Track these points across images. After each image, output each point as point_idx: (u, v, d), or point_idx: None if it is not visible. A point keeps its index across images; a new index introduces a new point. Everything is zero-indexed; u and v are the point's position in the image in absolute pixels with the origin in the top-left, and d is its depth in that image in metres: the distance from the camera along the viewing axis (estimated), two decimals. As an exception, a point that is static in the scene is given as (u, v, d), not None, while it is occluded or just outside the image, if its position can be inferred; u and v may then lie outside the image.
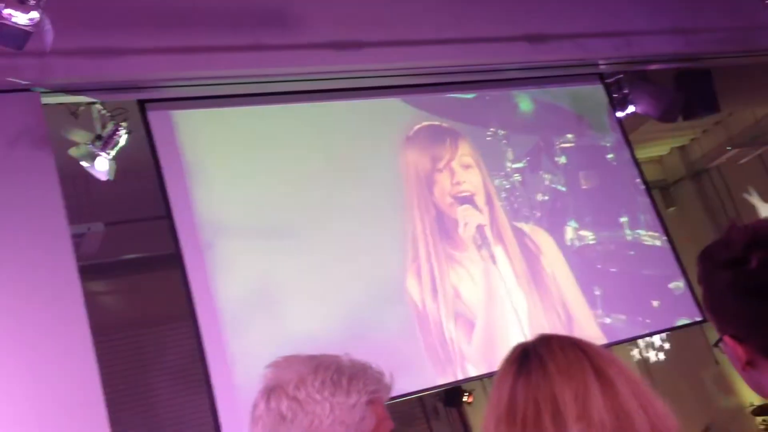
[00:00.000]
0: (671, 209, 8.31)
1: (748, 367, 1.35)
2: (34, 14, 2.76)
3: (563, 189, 4.74)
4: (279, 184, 4.05)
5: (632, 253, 4.78)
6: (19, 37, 2.80)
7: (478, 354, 4.08)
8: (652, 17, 4.95)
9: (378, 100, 4.48)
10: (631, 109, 5.09)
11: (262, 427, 1.43)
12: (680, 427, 1.29)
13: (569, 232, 4.62)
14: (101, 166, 3.62)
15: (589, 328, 4.37)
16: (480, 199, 4.43)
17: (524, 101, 4.92)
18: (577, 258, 4.56)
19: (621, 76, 5.09)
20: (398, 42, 4.18)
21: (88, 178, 3.79)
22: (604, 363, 1.29)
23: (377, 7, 4.20)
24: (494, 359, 3.99)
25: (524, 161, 4.69)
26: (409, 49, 4.21)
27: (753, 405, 7.68)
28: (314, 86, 4.19)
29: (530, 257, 4.43)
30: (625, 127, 5.12)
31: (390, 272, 4.08)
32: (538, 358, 1.31)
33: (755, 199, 7.43)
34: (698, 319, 4.67)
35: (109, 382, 3.25)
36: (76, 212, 3.86)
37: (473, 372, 4.10)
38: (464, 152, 4.53)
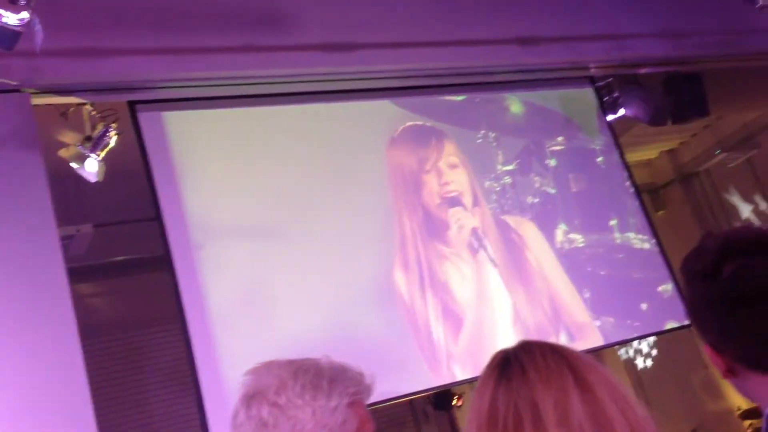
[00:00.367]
0: (660, 212, 8.34)
1: (729, 374, 1.36)
2: (24, 14, 2.75)
3: (553, 192, 4.75)
4: (269, 185, 4.05)
5: (621, 256, 4.79)
6: (8, 38, 2.79)
7: (466, 355, 4.08)
8: (643, 21, 4.97)
9: (368, 102, 4.49)
10: (621, 112, 5.10)
11: None
12: None
13: (559, 235, 4.63)
14: (91, 168, 3.61)
15: (579, 315, 4.38)
16: (467, 200, 4.44)
17: (514, 104, 4.93)
18: (566, 261, 4.57)
19: (611, 79, 5.10)
20: (390, 44, 4.18)
21: (78, 179, 3.78)
22: (585, 369, 1.29)
23: (369, 10, 4.20)
24: (482, 361, 3.99)
25: (514, 164, 4.69)
26: (401, 52, 4.21)
27: (741, 409, 7.71)
28: (306, 88, 4.19)
29: (516, 252, 4.44)
30: (615, 130, 5.14)
31: (378, 273, 4.08)
32: (519, 364, 1.31)
33: (736, 199, 7.48)
34: (687, 322, 4.66)
35: (99, 383, 3.24)
36: (65, 214, 3.84)
37: (461, 372, 4.10)
38: (450, 152, 4.53)
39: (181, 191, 3.79)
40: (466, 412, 1.41)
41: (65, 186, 4.29)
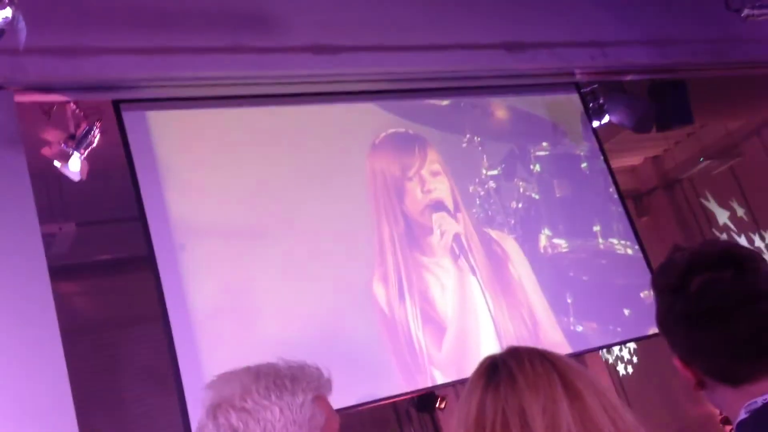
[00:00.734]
0: (644, 218, 8.38)
1: (698, 387, 1.37)
2: (8, 12, 2.74)
3: (537, 197, 4.77)
4: (252, 186, 4.04)
5: (604, 261, 4.81)
6: (-8, 35, 2.78)
7: (448, 360, 4.08)
8: (629, 28, 5.00)
9: (353, 105, 4.49)
10: (606, 118, 5.12)
11: None
12: None
13: (542, 240, 4.64)
14: (74, 166, 3.60)
15: (554, 334, 4.39)
16: (450, 207, 4.45)
17: (500, 109, 4.95)
18: (549, 266, 4.59)
19: (597, 85, 5.13)
20: (376, 47, 4.19)
21: (61, 177, 3.77)
22: (573, 376, 1.30)
23: (356, 13, 4.21)
24: (465, 366, 4.00)
25: (499, 169, 4.70)
26: (387, 55, 4.22)
27: (722, 414, 7.75)
28: (291, 90, 4.19)
29: (498, 263, 4.45)
30: (599, 136, 5.16)
31: (357, 277, 4.08)
32: (507, 370, 1.31)
33: (713, 205, 7.53)
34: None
35: (80, 383, 3.22)
36: (47, 212, 3.84)
37: (441, 378, 4.11)
38: (432, 159, 4.54)
39: (165, 191, 3.77)
40: (451, 416, 1.40)
41: (48, 184, 4.28)
